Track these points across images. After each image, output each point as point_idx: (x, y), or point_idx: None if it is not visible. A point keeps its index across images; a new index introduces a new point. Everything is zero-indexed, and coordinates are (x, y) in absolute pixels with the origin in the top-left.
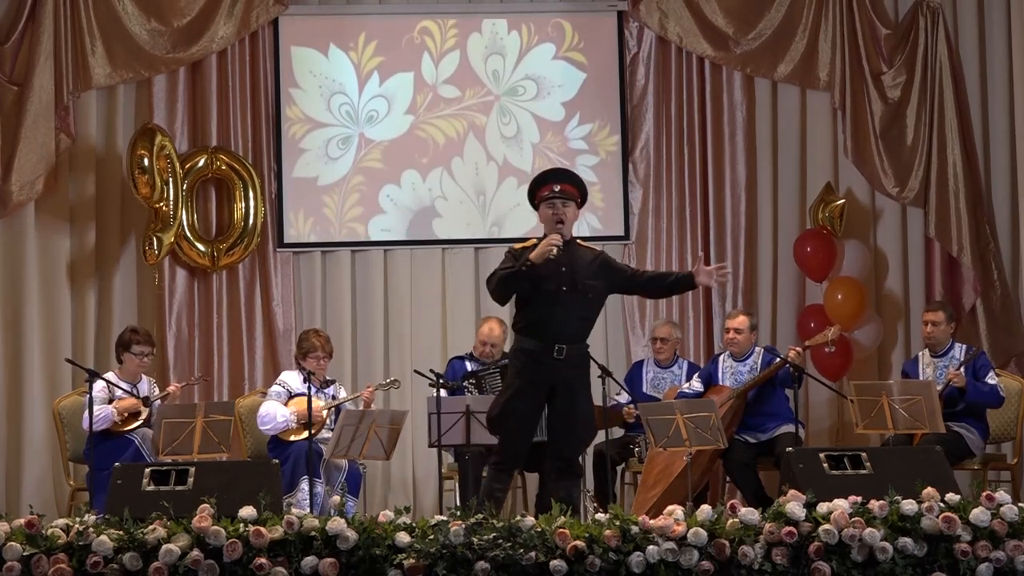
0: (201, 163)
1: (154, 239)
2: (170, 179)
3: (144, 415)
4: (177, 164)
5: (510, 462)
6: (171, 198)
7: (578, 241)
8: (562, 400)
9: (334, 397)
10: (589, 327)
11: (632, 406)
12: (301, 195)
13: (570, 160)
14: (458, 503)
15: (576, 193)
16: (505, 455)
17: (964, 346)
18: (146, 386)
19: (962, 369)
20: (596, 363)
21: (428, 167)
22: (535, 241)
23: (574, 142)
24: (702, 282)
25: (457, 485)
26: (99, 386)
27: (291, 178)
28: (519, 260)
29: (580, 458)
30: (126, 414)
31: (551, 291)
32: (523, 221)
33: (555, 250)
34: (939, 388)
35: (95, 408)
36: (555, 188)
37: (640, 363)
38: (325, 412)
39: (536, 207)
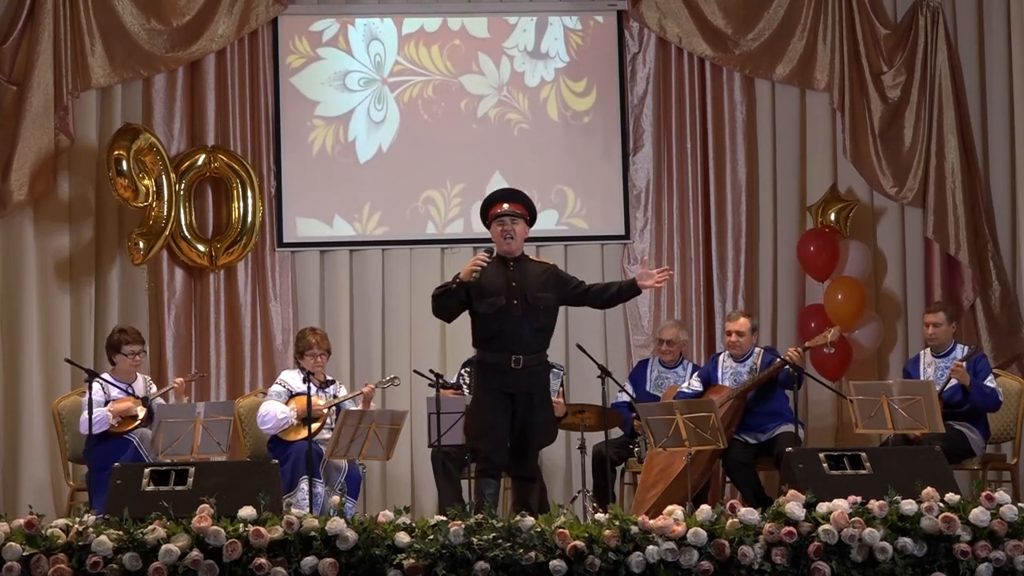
0: (200, 162)
1: (140, 241)
2: (162, 176)
3: (142, 415)
4: (168, 161)
5: (493, 466)
6: (164, 196)
7: (529, 257)
8: (521, 408)
9: (335, 396)
10: (544, 337)
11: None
12: None
13: None
14: (438, 500)
15: (524, 211)
16: (487, 460)
17: (966, 347)
18: (142, 385)
19: (964, 364)
20: (596, 363)
21: None
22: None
23: None
24: (646, 286)
25: (436, 482)
26: (95, 387)
27: None
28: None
29: (538, 462)
30: (121, 417)
31: (503, 305)
32: None
33: (479, 270)
34: (939, 386)
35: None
36: (504, 207)
37: (645, 362)
38: (326, 410)
39: (488, 225)
